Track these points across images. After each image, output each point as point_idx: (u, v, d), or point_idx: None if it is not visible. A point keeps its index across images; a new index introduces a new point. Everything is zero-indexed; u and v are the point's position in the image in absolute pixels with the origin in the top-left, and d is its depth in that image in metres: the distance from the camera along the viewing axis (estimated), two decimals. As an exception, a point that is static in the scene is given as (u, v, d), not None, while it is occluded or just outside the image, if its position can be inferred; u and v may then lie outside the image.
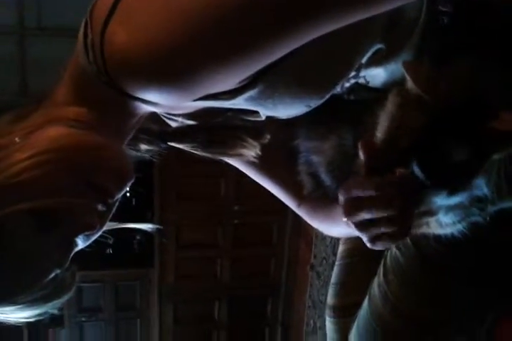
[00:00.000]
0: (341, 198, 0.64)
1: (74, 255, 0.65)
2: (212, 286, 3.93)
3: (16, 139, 0.61)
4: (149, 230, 0.86)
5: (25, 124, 0.63)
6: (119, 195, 0.67)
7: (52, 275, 0.62)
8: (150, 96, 0.59)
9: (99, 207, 0.63)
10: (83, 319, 3.76)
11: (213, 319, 4.02)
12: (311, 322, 3.60)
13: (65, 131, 0.62)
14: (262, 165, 0.85)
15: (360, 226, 0.63)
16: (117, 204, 0.69)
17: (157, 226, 0.86)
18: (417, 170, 0.59)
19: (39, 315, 0.66)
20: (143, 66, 0.54)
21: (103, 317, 3.81)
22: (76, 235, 0.62)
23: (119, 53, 0.55)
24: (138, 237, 3.38)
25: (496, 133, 0.58)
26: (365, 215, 0.62)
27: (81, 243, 0.64)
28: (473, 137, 0.59)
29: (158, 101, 0.61)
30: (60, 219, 0.60)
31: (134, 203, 3.54)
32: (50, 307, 0.65)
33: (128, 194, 3.47)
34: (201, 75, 0.55)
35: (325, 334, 1.06)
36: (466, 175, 0.61)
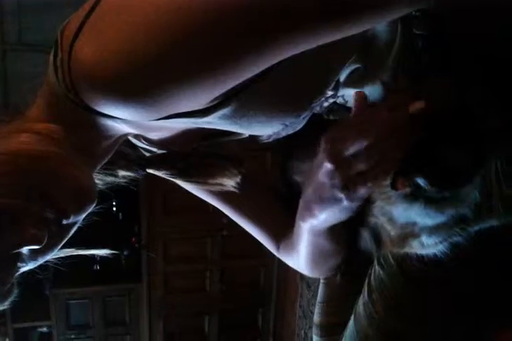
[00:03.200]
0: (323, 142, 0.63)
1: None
2: (201, 299, 3.91)
3: None
4: (109, 256, 0.83)
5: None
6: (77, 218, 0.64)
7: None
8: (115, 111, 0.58)
9: (51, 223, 0.61)
10: (72, 336, 3.71)
11: (204, 332, 3.99)
12: (302, 332, 3.59)
13: (28, 139, 0.62)
14: (241, 196, 0.84)
15: (338, 162, 0.62)
16: (74, 229, 0.66)
17: (115, 251, 0.83)
18: (421, 181, 0.60)
19: None
20: (107, 81, 0.54)
21: (92, 334, 3.77)
22: (18, 246, 0.59)
23: (84, 69, 0.55)
24: (125, 252, 3.35)
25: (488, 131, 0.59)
26: (348, 150, 0.61)
27: (27, 261, 0.62)
28: (467, 139, 0.60)
29: (125, 118, 0.60)
30: (3, 227, 0.57)
31: (120, 218, 3.53)
32: None
33: (114, 209, 3.46)
34: (164, 92, 0.55)
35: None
36: (468, 177, 0.61)
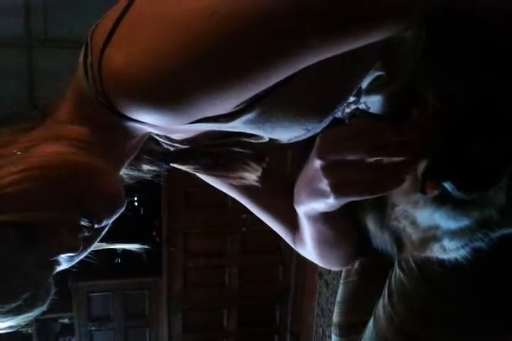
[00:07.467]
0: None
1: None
2: (220, 294, 3.93)
3: (15, 151, 0.62)
4: (137, 250, 0.85)
5: (27, 138, 0.64)
6: (108, 222, 0.67)
7: (28, 293, 0.60)
8: (145, 118, 0.59)
9: (85, 230, 0.63)
10: (93, 328, 3.77)
11: (222, 327, 4.02)
12: (320, 330, 3.59)
13: (63, 150, 0.63)
14: (261, 190, 0.85)
15: (330, 167, 0.63)
16: (106, 229, 0.69)
17: (145, 246, 0.85)
18: (448, 185, 0.60)
19: (9, 327, 0.64)
20: (137, 88, 0.55)
21: (112, 326, 3.82)
22: (56, 255, 0.62)
23: (115, 76, 0.56)
24: (146, 246, 3.39)
25: None
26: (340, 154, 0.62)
27: (64, 263, 0.64)
28: (493, 137, 0.60)
29: (154, 123, 0.61)
30: (42, 237, 0.60)
31: (142, 213, 3.57)
32: (21, 320, 0.63)
33: (136, 203, 3.50)
34: (194, 99, 0.56)
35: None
36: (496, 177, 0.61)
